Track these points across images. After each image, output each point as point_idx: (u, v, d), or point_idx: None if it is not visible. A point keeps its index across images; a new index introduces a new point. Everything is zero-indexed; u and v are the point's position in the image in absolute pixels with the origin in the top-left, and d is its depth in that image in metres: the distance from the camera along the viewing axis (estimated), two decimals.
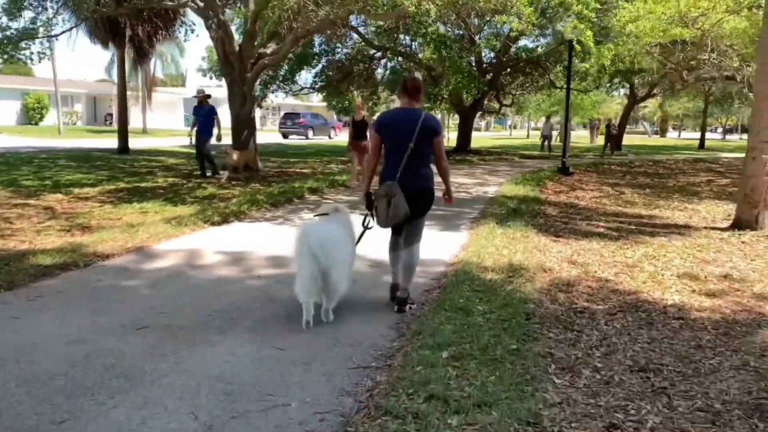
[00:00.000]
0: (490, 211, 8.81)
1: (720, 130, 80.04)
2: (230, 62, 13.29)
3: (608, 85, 26.29)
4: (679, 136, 65.84)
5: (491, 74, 24.08)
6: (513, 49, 24.75)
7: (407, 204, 4.15)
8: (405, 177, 4.18)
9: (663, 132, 62.93)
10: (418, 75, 4.57)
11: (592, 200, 10.84)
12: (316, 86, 22.93)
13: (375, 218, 4.36)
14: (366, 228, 4.45)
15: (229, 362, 3.41)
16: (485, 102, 26.94)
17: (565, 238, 7.03)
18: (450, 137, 32.75)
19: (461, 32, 22.97)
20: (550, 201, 10.49)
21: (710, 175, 16.97)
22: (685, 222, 8.60)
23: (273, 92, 22.06)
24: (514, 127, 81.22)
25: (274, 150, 25.22)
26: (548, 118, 32.78)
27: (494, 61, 24.79)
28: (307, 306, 3.98)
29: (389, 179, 4.21)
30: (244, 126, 13.60)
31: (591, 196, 11.51)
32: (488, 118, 77.89)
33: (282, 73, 20.88)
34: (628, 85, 28.20)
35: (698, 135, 71.13)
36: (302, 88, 22.81)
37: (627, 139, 34.31)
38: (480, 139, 40.38)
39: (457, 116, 29.26)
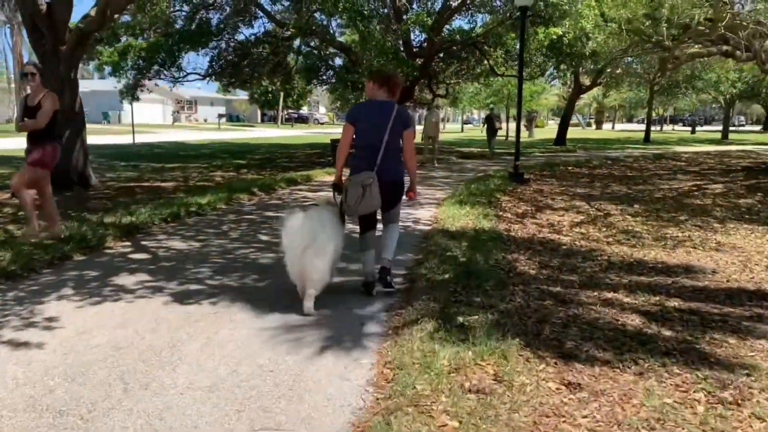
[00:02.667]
0: (419, 288, 4.59)
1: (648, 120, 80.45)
2: (38, 29, 8.90)
3: (554, 71, 23.08)
4: (612, 128, 64.65)
5: (422, 60, 20.26)
6: (446, 30, 21.20)
7: (381, 195, 4.26)
8: (381, 169, 4.29)
9: (599, 124, 61.42)
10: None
11: (576, 233, 7.19)
12: (211, 72, 18.55)
13: (349, 206, 4.29)
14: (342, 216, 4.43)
15: None
16: (416, 92, 23.23)
17: (588, 371, 3.18)
18: None
19: (386, 10, 19.14)
20: (517, 238, 6.76)
21: (691, 178, 13.86)
22: (748, 277, 5.08)
23: (151, 79, 17.48)
24: (447, 120, 78.39)
25: (163, 150, 20.64)
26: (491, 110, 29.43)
27: (425, 44, 21.11)
28: (300, 288, 4.14)
29: (364, 170, 4.27)
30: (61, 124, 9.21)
31: (570, 222, 7.90)
32: (420, 111, 74.77)
33: (162, 56, 16.45)
34: (572, 75, 25.10)
35: (632, 126, 71.93)
36: (187, 75, 18.33)
37: (572, 132, 31.49)
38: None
39: None
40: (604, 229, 7.35)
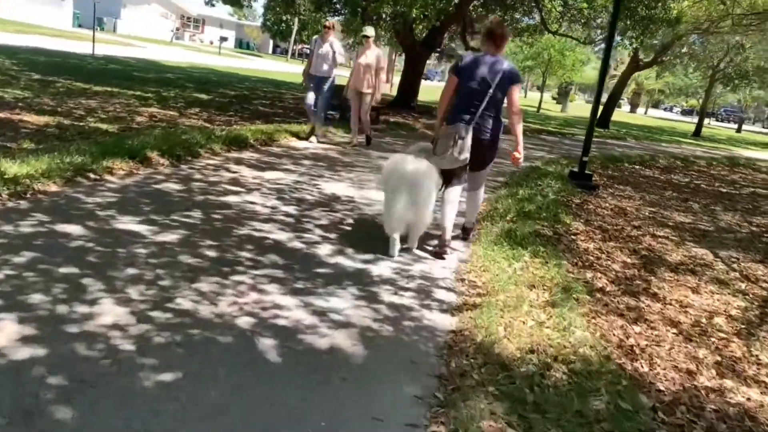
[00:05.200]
0: None
1: (677, 110, 75.23)
2: None
3: (620, 38, 18.54)
4: (645, 113, 59.66)
5: (458, 1, 15.53)
6: None
7: (472, 151, 4.19)
8: (478, 124, 4.22)
9: (634, 107, 56.33)
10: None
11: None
12: None
13: (438, 157, 4.24)
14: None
15: None
16: (445, 39, 18.79)
17: None
18: (392, 83, 24.52)
19: None
20: (654, 388, 2.75)
21: None
22: None
23: None
24: None
25: (119, 68, 16.40)
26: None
27: None
28: (394, 241, 4.06)
29: (461, 122, 4.20)
30: None
31: (725, 314, 3.90)
32: (444, 65, 68.92)
33: None
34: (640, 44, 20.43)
35: (661, 114, 66.64)
36: None
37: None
38: (427, 90, 31.74)
39: (403, 55, 20.86)
40: None
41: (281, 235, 4.17)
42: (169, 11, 50.83)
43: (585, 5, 16.49)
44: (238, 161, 6.55)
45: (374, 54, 8.53)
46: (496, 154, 4.46)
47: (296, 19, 49.55)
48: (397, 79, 23.17)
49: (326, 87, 8.60)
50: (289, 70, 35.01)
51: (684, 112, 72.61)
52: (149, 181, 5.12)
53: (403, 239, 4.17)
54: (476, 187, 4.59)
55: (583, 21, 16.83)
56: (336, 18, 21.52)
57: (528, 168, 9.36)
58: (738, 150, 23.29)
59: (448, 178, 4.35)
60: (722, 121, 63.75)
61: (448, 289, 3.65)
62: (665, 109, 76.55)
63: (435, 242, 4.40)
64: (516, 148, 4.31)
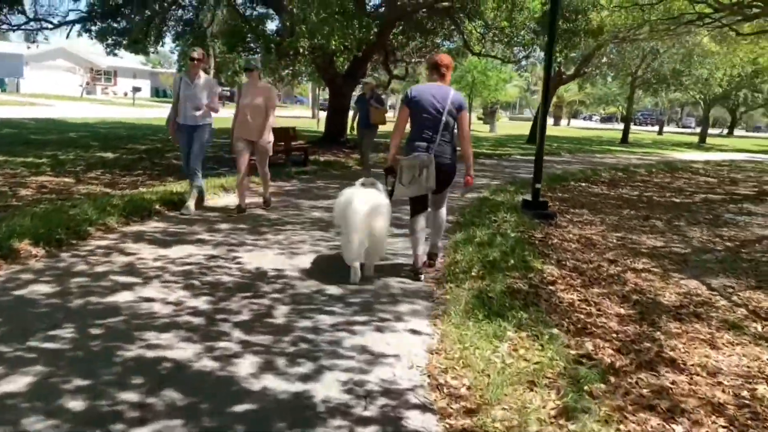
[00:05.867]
0: None
1: (596, 119, 77.74)
2: None
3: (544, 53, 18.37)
4: (568, 124, 61.17)
5: (377, 28, 14.85)
6: None
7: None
8: (437, 151, 4.40)
9: (557, 120, 57.60)
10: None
11: None
12: (73, 21, 12.78)
13: (397, 187, 4.42)
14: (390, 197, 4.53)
15: None
16: (368, 68, 18.10)
17: None
18: (319, 119, 23.61)
19: None
20: None
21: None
22: None
23: None
24: (392, 107, 72.93)
25: (13, 131, 14.82)
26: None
27: (382, 6, 16.01)
28: (355, 269, 4.31)
29: (420, 151, 4.39)
30: None
31: (751, 359, 3.08)
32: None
33: None
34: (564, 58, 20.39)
35: (582, 123, 68.62)
36: (39, 21, 12.46)
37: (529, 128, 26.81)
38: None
39: (328, 89, 19.92)
40: None
41: (185, 351, 3.06)
42: (77, 66, 48.42)
43: (506, 24, 16.20)
44: (138, 237, 5.36)
45: (263, 91, 6.64)
46: (455, 175, 4.64)
47: (212, 61, 48.31)
48: (325, 113, 22.21)
49: (200, 139, 6.51)
50: None
51: (603, 120, 75.29)
52: (9, 285, 3.89)
53: (363, 266, 4.40)
54: (439, 206, 4.79)
55: (506, 40, 16.49)
56: (258, 56, 20.56)
57: (476, 199, 8.57)
58: (667, 153, 23.59)
59: (414, 206, 4.61)
60: (640, 124, 66.24)
61: (423, 408, 2.64)
62: (584, 119, 78.97)
63: (408, 268, 4.68)
64: (468, 171, 4.59)
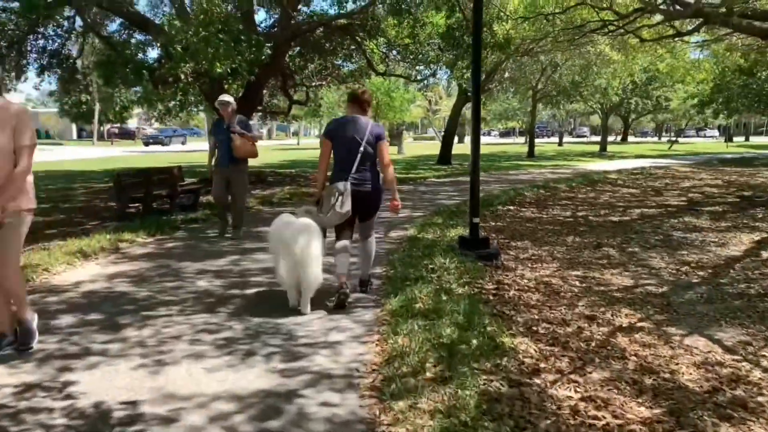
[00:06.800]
0: None
1: (495, 134, 79.74)
2: None
3: (449, 69, 17.55)
4: (464, 141, 61.90)
5: (270, 50, 13.15)
6: (305, 11, 14.82)
7: (355, 204, 4.45)
8: (357, 179, 4.50)
9: (461, 138, 58.00)
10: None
11: None
12: None
13: (323, 216, 4.49)
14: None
15: None
16: (265, 95, 16.51)
17: None
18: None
19: None
20: None
21: (710, 221, 8.62)
22: None
23: None
24: (296, 134, 71.09)
25: None
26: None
27: (275, 26, 14.53)
28: (290, 292, 4.37)
29: (340, 180, 4.47)
30: None
31: None
32: (269, 123, 66.48)
33: None
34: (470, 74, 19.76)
35: (486, 139, 69.93)
36: None
37: (435, 147, 26.14)
38: (261, 150, 28.50)
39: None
40: None
41: None
42: None
43: (409, 41, 15.23)
44: None
45: (9, 123, 3.40)
46: (381, 202, 4.76)
47: (96, 99, 44.82)
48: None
49: None
50: (96, 155, 30.65)
51: (502, 134, 77.34)
52: None
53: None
54: (367, 235, 4.82)
55: (411, 57, 15.51)
56: (136, 89, 18.36)
57: (404, 239, 7.23)
58: (576, 164, 23.50)
59: (338, 233, 4.66)
60: (538, 137, 68.37)
61: None
62: (484, 134, 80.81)
63: (334, 299, 4.49)
64: (393, 196, 4.66)
